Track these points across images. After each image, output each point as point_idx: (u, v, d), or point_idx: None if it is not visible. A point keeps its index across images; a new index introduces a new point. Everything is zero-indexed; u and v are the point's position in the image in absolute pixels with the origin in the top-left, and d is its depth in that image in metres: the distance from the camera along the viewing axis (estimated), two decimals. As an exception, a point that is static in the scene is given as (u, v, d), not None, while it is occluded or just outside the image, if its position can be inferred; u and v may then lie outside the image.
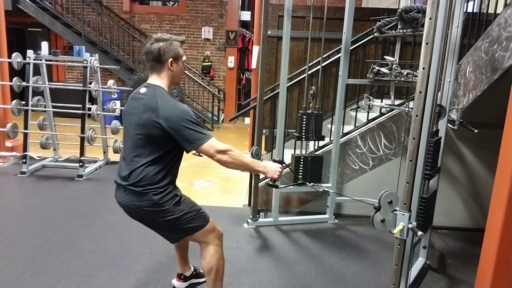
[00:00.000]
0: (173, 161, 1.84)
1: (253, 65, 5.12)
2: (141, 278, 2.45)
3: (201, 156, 1.82)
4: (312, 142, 3.55)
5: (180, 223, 1.87)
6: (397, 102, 3.39)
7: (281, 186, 1.96)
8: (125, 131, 1.91)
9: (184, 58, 1.90)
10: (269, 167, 1.89)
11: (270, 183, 1.95)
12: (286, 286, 2.47)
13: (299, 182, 3.10)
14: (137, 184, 1.77)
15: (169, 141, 1.76)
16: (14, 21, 7.95)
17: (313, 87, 3.17)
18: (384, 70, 3.11)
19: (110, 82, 4.69)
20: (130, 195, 1.80)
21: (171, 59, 1.81)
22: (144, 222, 1.91)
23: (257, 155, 2.92)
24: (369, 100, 3.31)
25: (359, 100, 3.52)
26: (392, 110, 3.31)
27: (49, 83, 4.79)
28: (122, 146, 2.08)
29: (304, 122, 3.12)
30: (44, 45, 4.43)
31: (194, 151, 1.77)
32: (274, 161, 1.94)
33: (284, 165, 1.96)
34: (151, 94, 1.78)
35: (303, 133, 3.15)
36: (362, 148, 3.45)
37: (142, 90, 1.83)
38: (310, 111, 3.15)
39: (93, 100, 4.61)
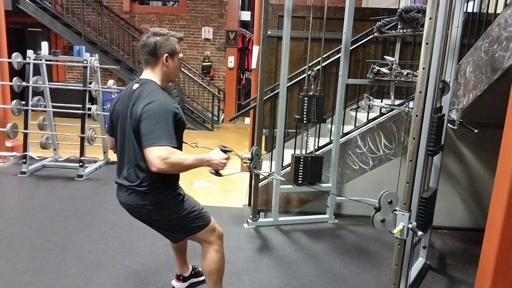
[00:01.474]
0: None
1: (253, 65, 5.12)
2: (141, 278, 2.45)
3: (194, 147, 1.75)
4: (312, 142, 3.55)
5: (183, 223, 1.86)
6: (397, 102, 3.39)
7: (225, 174, 1.86)
8: (116, 127, 1.84)
9: (180, 55, 1.87)
10: (213, 158, 1.77)
11: (212, 171, 1.84)
12: (286, 286, 2.47)
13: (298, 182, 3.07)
14: (140, 184, 1.75)
15: None
16: (14, 21, 7.96)
17: (315, 69, 3.15)
18: (384, 70, 3.11)
19: (110, 82, 4.69)
20: (133, 194, 1.78)
21: (166, 54, 1.79)
22: (146, 221, 1.89)
23: (257, 155, 2.91)
24: (369, 100, 3.31)
25: (359, 100, 3.52)
26: (392, 110, 3.31)
27: (49, 83, 4.79)
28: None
29: (305, 104, 3.06)
30: (44, 45, 4.44)
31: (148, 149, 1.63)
32: (222, 150, 1.82)
33: (230, 153, 1.83)
34: (141, 90, 1.74)
35: (305, 116, 3.10)
36: (362, 148, 3.45)
37: (135, 86, 1.79)
38: (311, 93, 3.11)
39: (93, 100, 4.61)
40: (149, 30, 1.82)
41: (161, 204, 1.78)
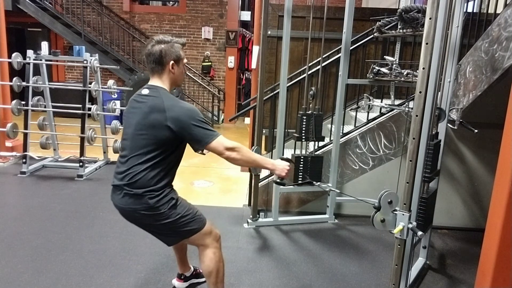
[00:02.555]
0: (173, 163, 1.84)
1: (253, 65, 5.12)
2: (141, 278, 2.45)
3: (205, 154, 1.82)
4: (312, 142, 3.55)
5: (176, 227, 1.85)
6: (397, 102, 3.39)
7: (288, 185, 1.94)
8: (124, 131, 1.90)
9: (185, 60, 1.90)
10: (278, 165, 1.88)
11: (278, 180, 1.94)
12: (286, 286, 2.48)
13: (307, 181, 3.10)
14: (133, 186, 1.75)
15: (175, 142, 1.76)
16: (14, 21, 7.95)
17: (313, 88, 3.17)
18: (384, 70, 3.11)
19: (110, 82, 4.69)
20: (126, 197, 1.78)
21: (172, 62, 1.81)
22: (140, 225, 1.90)
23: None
24: (369, 100, 3.31)
25: (359, 100, 3.52)
26: (392, 110, 3.31)
27: (49, 83, 4.79)
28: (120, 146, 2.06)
29: (304, 123, 3.12)
30: (44, 45, 4.43)
31: (201, 150, 1.76)
32: (282, 159, 1.93)
33: (292, 163, 1.96)
34: (156, 95, 1.77)
35: (303, 134, 3.15)
36: (362, 148, 3.45)
37: (145, 91, 1.82)
38: (310, 112, 3.15)
39: (93, 100, 4.61)
40: (153, 38, 1.83)
41: (153, 208, 1.78)
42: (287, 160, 1.93)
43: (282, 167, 1.87)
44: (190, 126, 1.72)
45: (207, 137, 1.73)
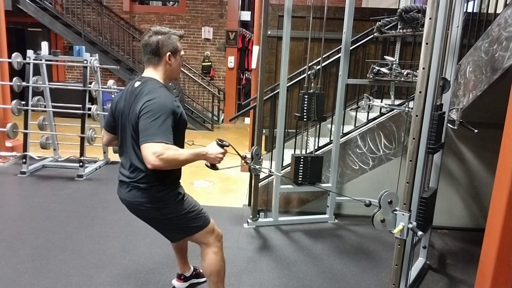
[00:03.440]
0: None
1: (253, 65, 5.12)
2: (141, 278, 2.45)
3: (190, 144, 1.73)
4: (312, 142, 3.55)
5: (181, 222, 1.86)
6: (397, 102, 3.39)
7: (221, 168, 1.84)
8: (118, 125, 1.85)
9: (182, 52, 1.88)
10: (210, 152, 1.74)
11: (208, 164, 1.81)
12: (286, 286, 2.47)
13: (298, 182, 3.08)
14: (141, 181, 1.75)
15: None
16: (14, 21, 7.95)
17: (315, 67, 3.14)
18: (384, 70, 3.11)
19: (110, 82, 4.69)
20: (133, 191, 1.77)
21: (169, 53, 1.79)
22: (146, 219, 1.89)
23: (257, 155, 2.92)
24: (369, 100, 3.31)
25: (359, 100, 3.52)
26: (392, 110, 3.31)
27: (49, 83, 4.79)
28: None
29: (305, 102, 3.05)
30: (44, 45, 4.43)
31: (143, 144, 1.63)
32: (219, 143, 1.79)
33: (227, 147, 1.80)
34: (142, 87, 1.74)
35: (305, 114, 3.09)
36: (362, 148, 3.45)
37: (136, 84, 1.80)
38: (311, 91, 3.11)
39: (93, 100, 4.61)
40: (150, 29, 1.81)
41: (160, 202, 1.78)
42: (222, 145, 1.78)
43: (214, 155, 1.74)
44: (143, 114, 1.62)
45: (147, 134, 1.58)
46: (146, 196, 1.76)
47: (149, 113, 1.62)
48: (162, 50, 1.78)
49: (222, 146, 1.78)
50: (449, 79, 2.31)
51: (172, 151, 1.60)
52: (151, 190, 1.76)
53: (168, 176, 1.77)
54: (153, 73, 1.81)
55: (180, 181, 1.92)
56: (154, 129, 1.60)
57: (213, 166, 1.81)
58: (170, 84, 4.46)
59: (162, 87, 1.77)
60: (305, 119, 3.13)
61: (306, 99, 3.06)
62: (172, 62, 1.82)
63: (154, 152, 1.56)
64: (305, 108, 3.07)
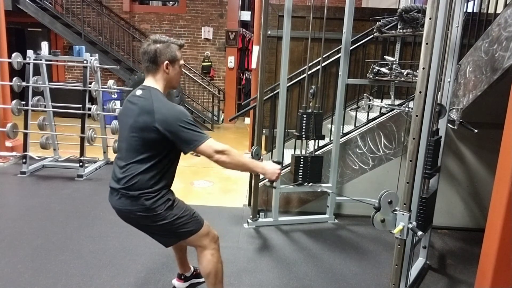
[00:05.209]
0: (169, 165, 1.83)
1: (253, 65, 5.12)
2: (141, 278, 2.45)
3: (199, 156, 1.81)
4: (312, 142, 3.55)
5: (173, 228, 1.85)
6: (397, 102, 3.39)
7: (280, 186, 1.95)
8: (120, 132, 1.90)
9: (181, 62, 1.88)
10: (268, 168, 1.88)
11: (268, 183, 1.96)
12: (286, 286, 2.48)
13: (298, 182, 3.09)
14: (130, 188, 1.76)
15: (166, 144, 1.74)
16: (14, 21, 7.96)
17: (313, 86, 3.17)
18: (384, 70, 3.11)
19: (110, 82, 4.69)
20: (123, 199, 1.78)
21: (167, 62, 1.80)
22: (137, 226, 1.90)
23: (257, 155, 2.92)
24: (369, 100, 3.31)
25: (359, 100, 3.52)
26: (392, 110, 3.31)
27: (49, 83, 4.79)
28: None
29: (304, 122, 3.11)
30: (44, 45, 4.43)
31: (192, 152, 1.76)
32: (273, 162, 1.93)
33: (282, 165, 1.98)
34: (147, 97, 1.76)
35: (303, 133, 3.14)
36: (362, 148, 3.45)
37: (139, 92, 1.81)
38: (310, 110, 3.14)
39: (93, 100, 4.61)
40: (149, 37, 1.83)
41: (149, 209, 1.78)
42: (277, 162, 1.93)
43: (272, 170, 1.87)
44: (178, 128, 1.69)
45: (196, 140, 1.70)
46: (136, 204, 1.77)
47: (181, 123, 1.70)
48: (159, 59, 1.79)
49: (278, 163, 1.96)
50: (448, 80, 2.32)
51: (234, 152, 1.80)
52: (140, 198, 1.76)
53: (157, 184, 1.78)
54: (153, 82, 1.83)
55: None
56: (196, 133, 1.73)
57: (272, 185, 2.03)
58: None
59: (165, 97, 1.81)
60: (303, 139, 3.18)
61: (304, 119, 3.10)
62: (170, 71, 1.83)
63: (215, 149, 1.73)
64: (304, 127, 3.12)
